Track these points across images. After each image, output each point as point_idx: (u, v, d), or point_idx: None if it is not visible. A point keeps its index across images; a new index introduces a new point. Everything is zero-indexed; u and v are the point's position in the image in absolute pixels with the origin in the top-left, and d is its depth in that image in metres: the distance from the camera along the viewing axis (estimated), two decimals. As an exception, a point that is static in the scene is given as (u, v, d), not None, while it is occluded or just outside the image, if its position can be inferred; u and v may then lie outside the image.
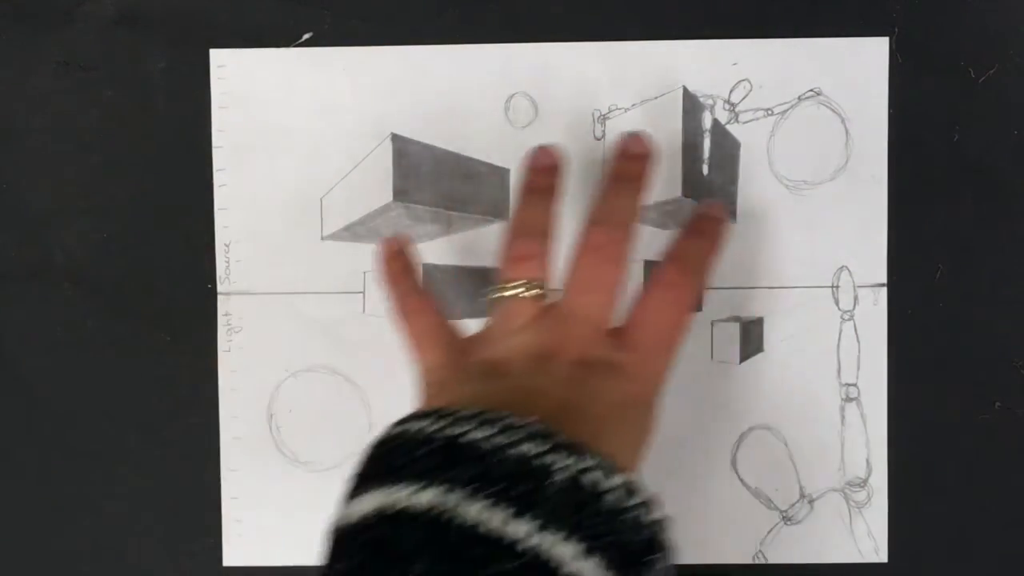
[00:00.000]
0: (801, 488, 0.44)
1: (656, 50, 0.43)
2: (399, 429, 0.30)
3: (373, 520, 0.27)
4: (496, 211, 0.44)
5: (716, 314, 0.44)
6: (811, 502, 0.44)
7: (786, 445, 0.44)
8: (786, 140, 0.43)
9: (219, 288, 0.44)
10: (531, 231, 0.35)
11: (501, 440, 0.27)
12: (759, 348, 0.44)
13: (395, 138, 0.44)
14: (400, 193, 0.43)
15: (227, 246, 0.44)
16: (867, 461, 0.44)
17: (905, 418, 0.44)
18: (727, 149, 0.44)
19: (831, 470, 0.44)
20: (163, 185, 0.44)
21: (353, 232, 0.44)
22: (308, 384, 0.44)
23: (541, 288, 0.34)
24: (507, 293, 0.34)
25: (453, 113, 0.44)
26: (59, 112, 0.44)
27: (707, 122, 0.44)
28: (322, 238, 0.44)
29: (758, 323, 0.44)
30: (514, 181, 0.44)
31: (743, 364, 0.44)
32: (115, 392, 0.44)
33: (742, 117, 0.43)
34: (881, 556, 0.44)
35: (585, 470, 0.27)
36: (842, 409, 0.44)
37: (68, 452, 0.44)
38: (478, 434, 0.28)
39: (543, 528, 0.26)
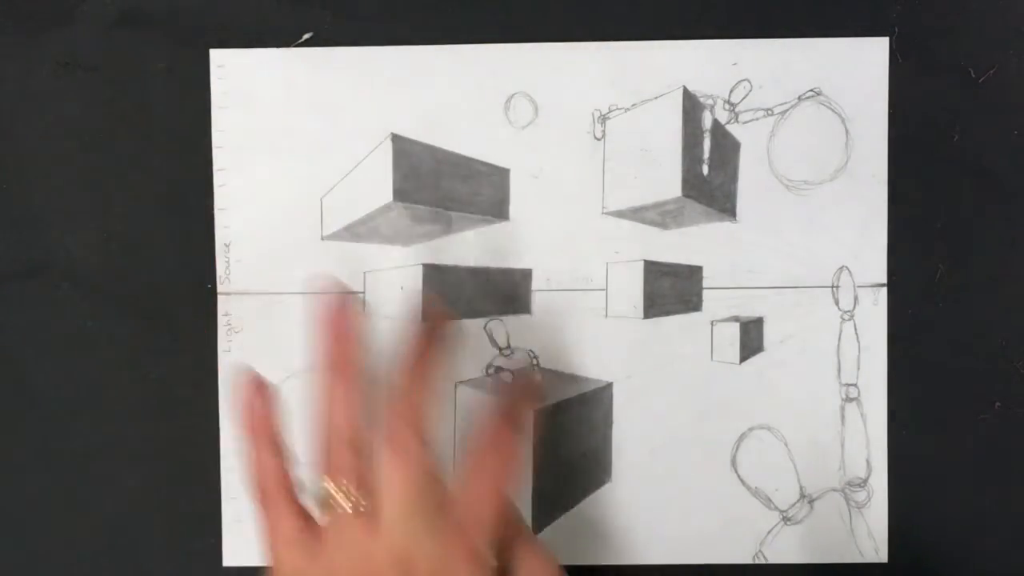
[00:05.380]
0: (801, 488, 0.44)
1: (656, 50, 0.43)
2: None
3: None
4: (496, 211, 0.44)
5: (716, 314, 0.44)
6: (811, 502, 0.44)
7: (786, 445, 0.44)
8: (786, 140, 0.43)
9: (219, 288, 0.44)
10: (339, 431, 0.35)
11: None
12: (759, 348, 0.44)
13: (395, 138, 0.44)
14: (400, 193, 0.43)
15: (227, 246, 0.44)
16: (867, 461, 0.44)
17: (905, 418, 0.44)
18: (727, 149, 0.44)
19: (831, 470, 0.44)
20: (163, 185, 0.44)
21: (353, 232, 0.44)
22: (308, 384, 0.44)
23: (362, 501, 0.34)
24: (331, 501, 0.34)
25: (453, 113, 0.44)
26: (59, 112, 0.44)
27: (707, 122, 0.44)
28: (322, 238, 0.44)
29: (758, 323, 0.44)
30: (514, 181, 0.44)
31: (743, 364, 0.44)
32: (115, 392, 0.44)
33: (742, 117, 0.43)
34: (881, 556, 0.44)
35: None
36: (842, 409, 0.44)
37: (68, 452, 0.44)
38: None
39: None
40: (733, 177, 0.44)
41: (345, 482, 0.34)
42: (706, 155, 0.44)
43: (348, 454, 0.35)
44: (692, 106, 0.43)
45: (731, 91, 0.43)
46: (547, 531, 0.44)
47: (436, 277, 0.44)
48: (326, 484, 0.34)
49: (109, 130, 0.44)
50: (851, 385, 0.44)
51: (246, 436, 0.37)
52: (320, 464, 0.35)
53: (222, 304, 0.44)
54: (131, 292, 0.44)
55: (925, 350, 0.43)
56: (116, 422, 0.44)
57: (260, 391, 0.37)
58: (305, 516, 0.36)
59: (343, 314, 0.36)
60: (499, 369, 0.44)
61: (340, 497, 0.34)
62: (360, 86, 0.44)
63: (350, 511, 0.34)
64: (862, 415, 0.44)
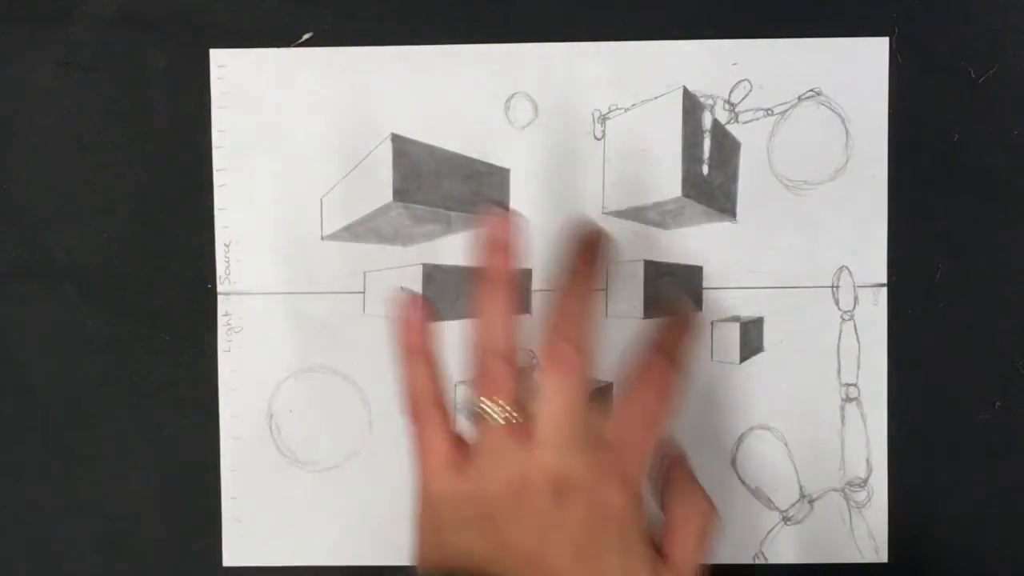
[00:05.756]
0: (801, 488, 0.44)
1: (656, 50, 0.43)
2: None
3: None
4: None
5: (716, 314, 0.44)
6: (811, 502, 0.44)
7: (786, 445, 0.44)
8: (786, 140, 0.43)
9: (219, 288, 0.44)
10: (495, 345, 0.35)
11: None
12: (759, 348, 0.44)
13: (395, 138, 0.44)
14: (400, 193, 0.43)
15: (227, 246, 0.44)
16: (867, 461, 0.44)
17: (905, 418, 0.44)
18: (727, 149, 0.44)
19: (831, 470, 0.44)
20: (163, 185, 0.44)
21: (353, 232, 0.44)
22: (308, 384, 0.44)
23: (515, 413, 0.35)
24: (486, 415, 0.35)
25: (453, 113, 0.44)
26: (59, 112, 0.44)
27: (707, 122, 0.44)
28: (322, 238, 0.44)
29: (758, 323, 0.44)
30: (514, 181, 0.44)
31: (743, 364, 0.44)
32: (115, 392, 0.44)
33: (742, 117, 0.43)
34: (881, 556, 0.44)
35: None
36: (842, 409, 0.44)
37: (68, 452, 0.44)
38: None
39: None
40: (733, 177, 0.44)
41: (499, 396, 0.34)
42: (706, 155, 0.44)
43: (503, 369, 0.35)
44: (692, 106, 0.43)
45: (731, 91, 0.43)
46: (547, 531, 0.44)
47: (436, 277, 0.44)
48: (480, 398, 0.35)
49: (109, 130, 0.44)
50: (851, 385, 0.44)
51: (401, 353, 0.37)
52: (475, 379, 0.35)
53: (222, 304, 0.44)
54: (131, 292, 0.44)
55: (925, 350, 0.43)
56: (116, 422, 0.44)
57: (418, 309, 0.37)
58: (457, 436, 0.36)
59: (501, 230, 0.36)
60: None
61: (494, 411, 0.34)
62: (360, 86, 0.44)
63: (503, 425, 0.34)
64: (862, 415, 0.44)
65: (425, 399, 0.36)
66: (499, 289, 0.35)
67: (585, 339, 0.34)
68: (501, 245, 0.36)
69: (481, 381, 0.35)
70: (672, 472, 0.37)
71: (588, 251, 0.36)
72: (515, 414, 0.34)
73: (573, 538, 0.33)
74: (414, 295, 0.37)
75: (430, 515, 0.36)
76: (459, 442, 0.36)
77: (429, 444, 0.36)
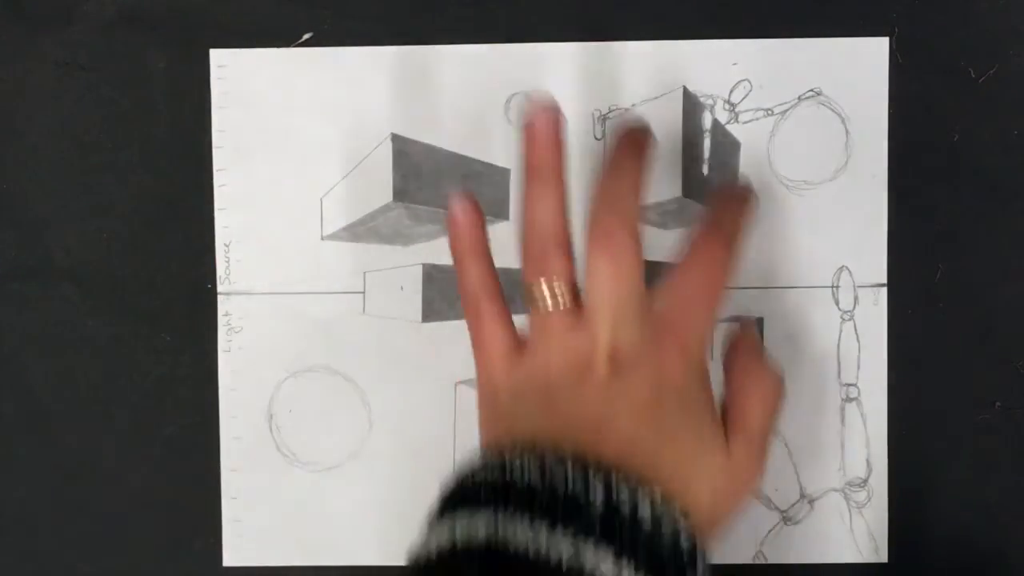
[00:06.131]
0: (801, 488, 0.44)
1: (656, 50, 0.43)
2: (466, 473, 0.33)
3: (447, 553, 0.31)
4: (496, 211, 0.44)
5: (716, 314, 0.44)
6: (811, 502, 0.44)
7: (786, 445, 0.44)
8: (786, 140, 0.43)
9: (219, 288, 0.44)
10: (546, 230, 0.35)
11: (540, 482, 0.31)
12: (759, 348, 0.44)
13: (395, 138, 0.44)
14: (400, 193, 0.43)
15: (227, 246, 0.44)
16: (867, 461, 0.44)
17: (905, 418, 0.44)
18: (727, 149, 0.44)
19: (831, 470, 0.44)
20: (163, 185, 0.44)
21: (353, 232, 0.44)
22: (308, 384, 0.44)
23: (566, 297, 0.35)
24: (538, 299, 0.35)
25: (453, 113, 0.44)
26: (59, 112, 0.44)
27: (707, 122, 0.44)
28: (322, 238, 0.44)
29: (758, 323, 0.44)
30: (514, 181, 0.44)
31: (743, 364, 0.44)
32: (115, 392, 0.44)
33: (742, 117, 0.43)
34: (881, 556, 0.44)
35: (632, 494, 0.31)
36: (842, 409, 0.44)
37: (68, 452, 0.44)
38: (527, 476, 0.31)
39: (595, 547, 0.29)
40: (733, 177, 0.44)
41: (551, 279, 0.35)
42: (706, 155, 0.44)
43: (555, 253, 0.35)
44: (692, 106, 0.43)
45: (731, 91, 0.43)
46: (547, 531, 0.44)
47: (436, 277, 0.44)
48: (531, 283, 0.35)
49: (109, 130, 0.44)
50: (851, 385, 0.44)
51: (457, 255, 0.37)
52: (527, 266, 0.35)
53: (222, 304, 0.44)
54: (131, 292, 0.44)
55: (925, 350, 0.43)
56: (116, 422, 0.44)
57: (469, 210, 0.37)
58: (513, 329, 0.36)
59: (548, 118, 0.35)
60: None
61: (546, 294, 0.35)
62: (360, 86, 0.44)
63: (557, 306, 0.34)
64: (862, 415, 0.44)
65: (481, 295, 0.37)
66: (547, 177, 0.35)
67: (633, 215, 0.35)
68: (547, 136, 0.35)
69: (532, 265, 0.35)
70: (738, 344, 0.37)
71: (631, 137, 0.36)
72: (567, 295, 0.34)
73: (636, 406, 0.33)
74: (464, 194, 0.37)
75: (492, 408, 0.36)
76: (516, 334, 0.36)
77: (486, 339, 0.36)
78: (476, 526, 0.30)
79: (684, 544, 0.31)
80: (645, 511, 0.30)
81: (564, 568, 0.29)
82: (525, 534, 0.29)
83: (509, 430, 0.35)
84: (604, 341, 0.33)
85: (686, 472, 0.33)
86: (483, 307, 0.36)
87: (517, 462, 0.32)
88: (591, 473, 0.31)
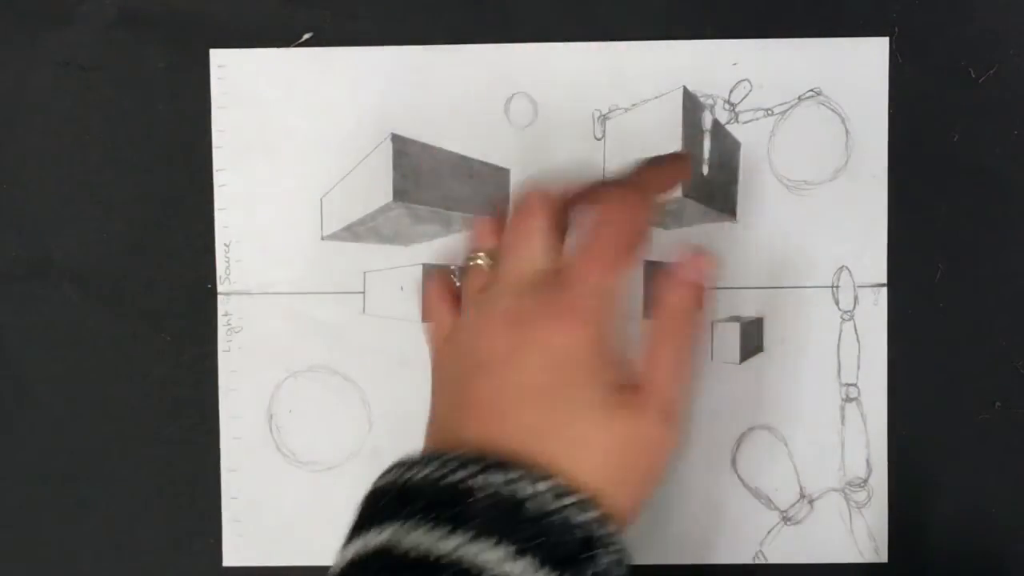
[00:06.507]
0: (801, 488, 0.44)
1: (656, 50, 0.43)
2: (380, 483, 0.34)
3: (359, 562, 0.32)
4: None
5: (716, 314, 0.44)
6: (811, 502, 0.44)
7: (786, 445, 0.44)
8: (786, 140, 0.43)
9: (219, 288, 0.44)
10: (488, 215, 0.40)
11: (436, 474, 0.31)
12: (759, 348, 0.44)
13: (395, 138, 0.44)
14: (400, 193, 0.43)
15: (227, 246, 0.44)
16: (867, 461, 0.44)
17: (905, 418, 0.44)
18: (727, 149, 0.44)
19: (831, 470, 0.44)
20: (163, 185, 0.44)
21: (353, 232, 0.44)
22: (308, 384, 0.44)
23: (487, 261, 0.38)
24: (471, 264, 0.38)
25: (453, 113, 0.44)
26: (59, 112, 0.44)
27: (707, 122, 0.44)
28: (322, 238, 0.44)
29: (758, 323, 0.44)
30: (514, 181, 0.44)
31: (743, 364, 0.44)
32: (115, 392, 0.44)
33: (742, 117, 0.43)
34: (881, 556, 0.44)
35: (509, 482, 0.31)
36: (842, 409, 0.44)
37: (68, 452, 0.44)
38: (422, 473, 0.32)
39: (473, 540, 0.30)
40: (733, 177, 0.44)
41: (483, 250, 0.38)
42: (706, 155, 0.44)
43: (488, 227, 0.39)
44: (692, 106, 0.43)
45: (731, 91, 0.43)
46: (547, 531, 0.44)
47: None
48: (471, 255, 0.38)
49: (109, 130, 0.44)
50: (851, 385, 0.44)
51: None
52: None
53: (222, 304, 0.44)
54: (131, 292, 0.44)
55: (925, 350, 0.43)
56: (116, 422, 0.44)
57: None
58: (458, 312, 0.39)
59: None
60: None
61: (478, 260, 0.38)
62: (360, 86, 0.44)
63: (479, 265, 0.37)
64: (862, 415, 0.44)
65: (435, 297, 0.40)
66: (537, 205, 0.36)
67: (555, 191, 0.36)
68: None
69: (469, 241, 0.39)
70: (659, 304, 0.36)
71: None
72: (489, 260, 0.37)
73: (529, 392, 0.33)
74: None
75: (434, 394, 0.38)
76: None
77: (435, 328, 0.39)
78: (374, 537, 0.31)
79: (579, 534, 0.30)
80: (543, 503, 0.30)
81: (465, 567, 0.29)
82: (420, 538, 0.30)
83: (433, 420, 0.37)
84: (506, 309, 0.34)
85: (586, 453, 0.32)
86: (436, 307, 0.41)
87: (417, 467, 0.32)
88: (490, 470, 0.31)
